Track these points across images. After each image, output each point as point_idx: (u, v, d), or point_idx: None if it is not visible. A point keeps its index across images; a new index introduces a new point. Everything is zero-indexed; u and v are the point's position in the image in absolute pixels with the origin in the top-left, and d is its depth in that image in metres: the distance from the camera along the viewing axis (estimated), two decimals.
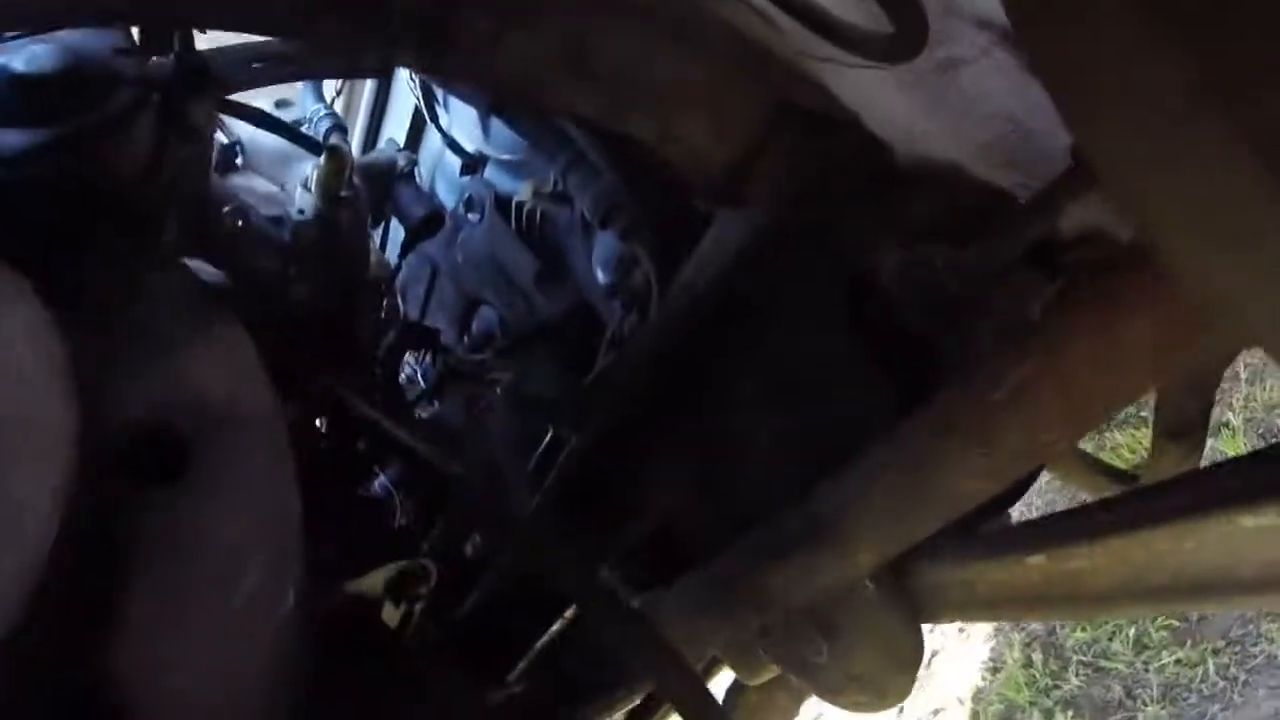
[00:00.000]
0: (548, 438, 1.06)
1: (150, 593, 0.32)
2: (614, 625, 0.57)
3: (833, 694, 0.77)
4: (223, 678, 0.31)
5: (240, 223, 0.95)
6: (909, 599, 0.71)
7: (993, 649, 2.73)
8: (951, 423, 0.47)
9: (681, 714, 0.55)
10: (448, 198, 1.35)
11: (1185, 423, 0.79)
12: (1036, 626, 2.66)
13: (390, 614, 0.66)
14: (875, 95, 0.75)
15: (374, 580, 0.63)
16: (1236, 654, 2.31)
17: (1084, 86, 0.28)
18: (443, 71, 0.78)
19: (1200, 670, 2.31)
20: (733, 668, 0.82)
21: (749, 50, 0.63)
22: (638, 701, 0.80)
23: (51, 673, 0.31)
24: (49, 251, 0.48)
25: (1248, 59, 0.24)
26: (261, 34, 1.01)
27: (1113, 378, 0.43)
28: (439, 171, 1.37)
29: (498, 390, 1.08)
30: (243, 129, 1.14)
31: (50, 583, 0.30)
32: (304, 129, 1.18)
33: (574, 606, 0.88)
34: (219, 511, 0.35)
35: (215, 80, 0.84)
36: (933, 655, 2.99)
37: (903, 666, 0.71)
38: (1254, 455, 0.61)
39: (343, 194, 1.06)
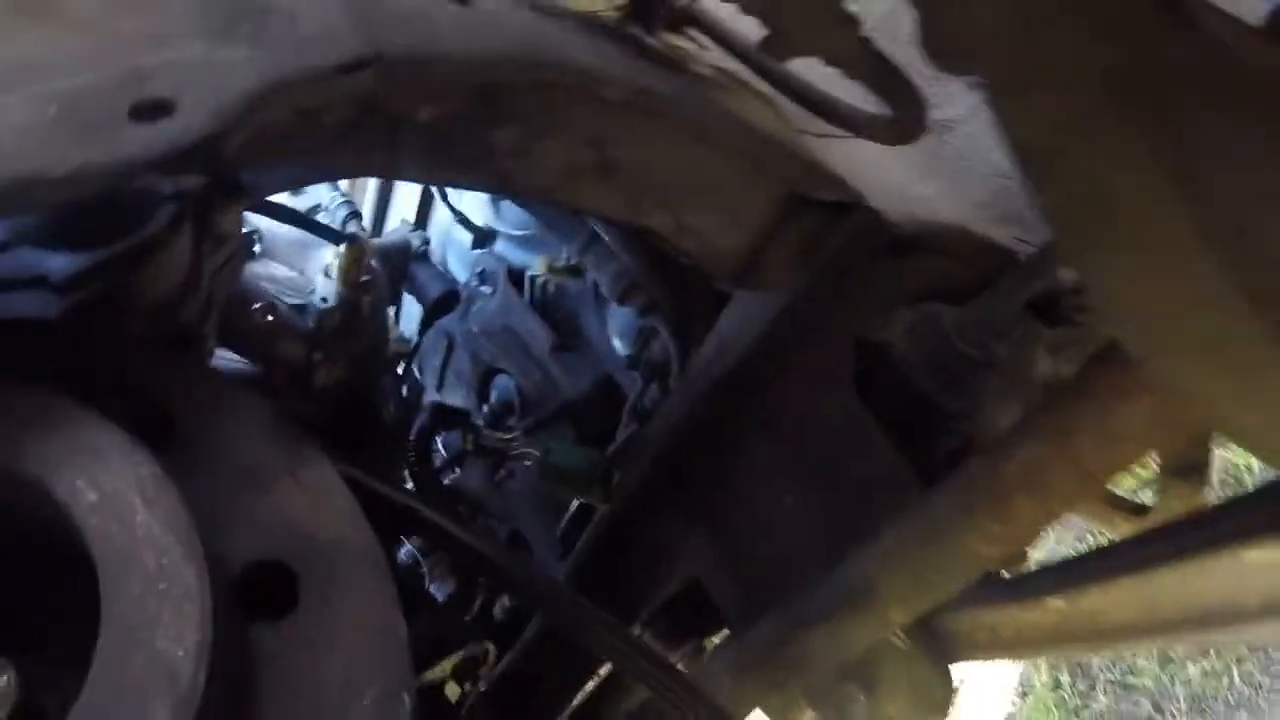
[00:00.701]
0: (573, 507, 1.11)
1: None
2: (650, 677, 0.62)
3: None
4: None
5: (270, 317, 1.01)
6: (938, 645, 0.76)
7: (1021, 673, 2.77)
8: (971, 499, 0.53)
9: None
10: (459, 271, 1.41)
11: (1189, 462, 0.85)
12: None
13: (451, 690, 0.70)
14: (874, 164, 0.81)
15: (444, 666, 0.67)
16: (1260, 661, 2.35)
17: (1091, 228, 0.33)
18: (462, 181, 0.84)
19: (1225, 680, 2.35)
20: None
21: (757, 144, 0.69)
22: None
23: None
24: (103, 381, 0.51)
25: (1249, 206, 0.29)
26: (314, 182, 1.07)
27: (1116, 451, 0.48)
28: (449, 246, 1.43)
29: (525, 464, 1.13)
30: (260, 218, 1.19)
31: None
32: (320, 216, 1.24)
33: (605, 666, 0.92)
34: (334, 644, 0.39)
35: (245, 189, 0.90)
36: (960, 682, 3.02)
37: (935, 709, 0.76)
38: (1255, 492, 0.66)
39: (363, 279, 1.12)
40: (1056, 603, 0.70)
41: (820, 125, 0.81)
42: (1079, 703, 2.55)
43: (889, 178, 0.82)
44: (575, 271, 1.14)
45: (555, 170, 0.64)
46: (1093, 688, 2.55)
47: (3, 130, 0.35)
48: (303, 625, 0.39)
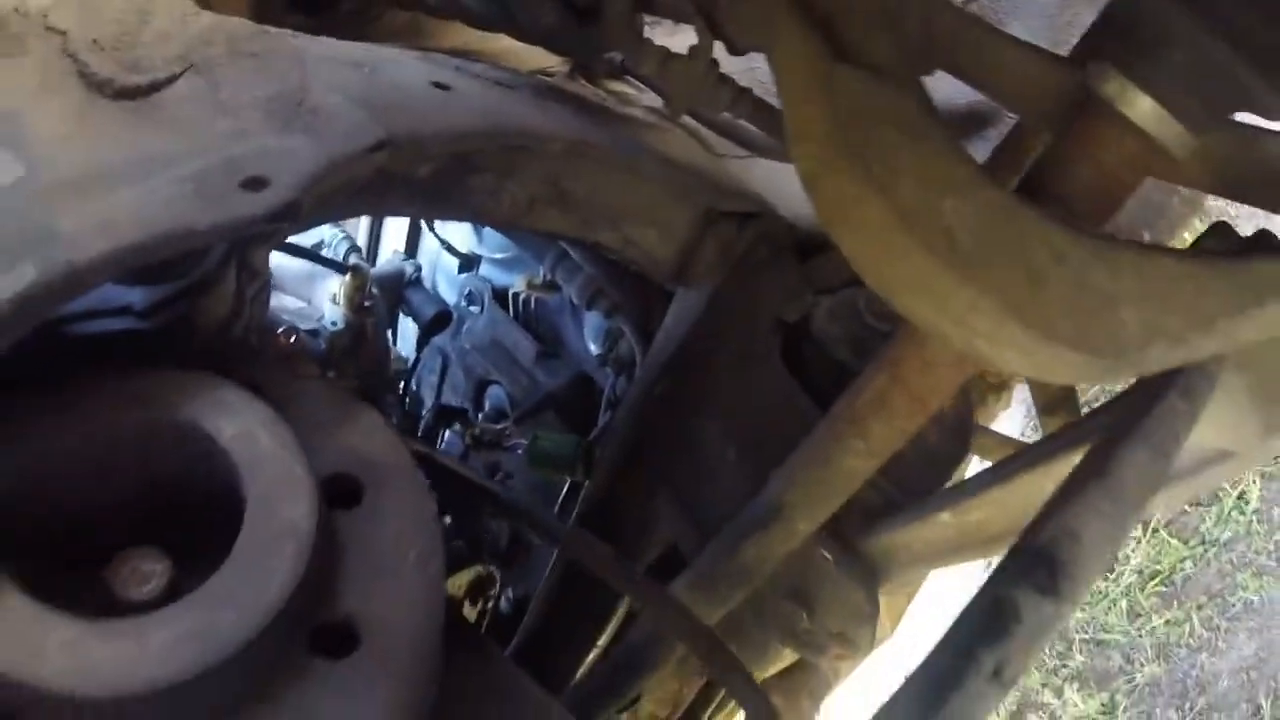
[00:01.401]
0: (564, 488, 1.32)
1: (356, 576, 0.58)
2: (662, 611, 0.81)
3: (820, 652, 1.02)
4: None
5: (292, 339, 1.22)
6: (862, 565, 0.97)
7: None
8: (839, 426, 0.73)
9: (727, 686, 0.79)
10: (448, 293, 1.62)
11: (1055, 400, 1.05)
12: None
13: (469, 613, 0.88)
14: (781, 178, 1.02)
15: (455, 582, 0.85)
16: (1218, 606, 2.59)
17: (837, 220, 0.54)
18: (448, 216, 1.05)
19: (1187, 626, 2.59)
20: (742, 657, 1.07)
21: (679, 173, 0.90)
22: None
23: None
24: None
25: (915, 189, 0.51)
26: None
27: (937, 378, 0.68)
28: (438, 271, 1.64)
29: (518, 453, 1.34)
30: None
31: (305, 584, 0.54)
32: (324, 251, 1.46)
33: (614, 621, 1.13)
34: (385, 524, 0.59)
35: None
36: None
37: (864, 619, 0.96)
38: (1089, 414, 0.86)
39: (365, 304, 1.33)
40: (945, 517, 0.91)
41: (739, 149, 1.03)
42: (1057, 663, 2.79)
43: (795, 189, 1.04)
44: (552, 286, 1.36)
45: (521, 203, 0.86)
46: (1069, 648, 2.79)
47: (159, 202, 0.56)
48: (364, 513, 0.60)
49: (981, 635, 0.52)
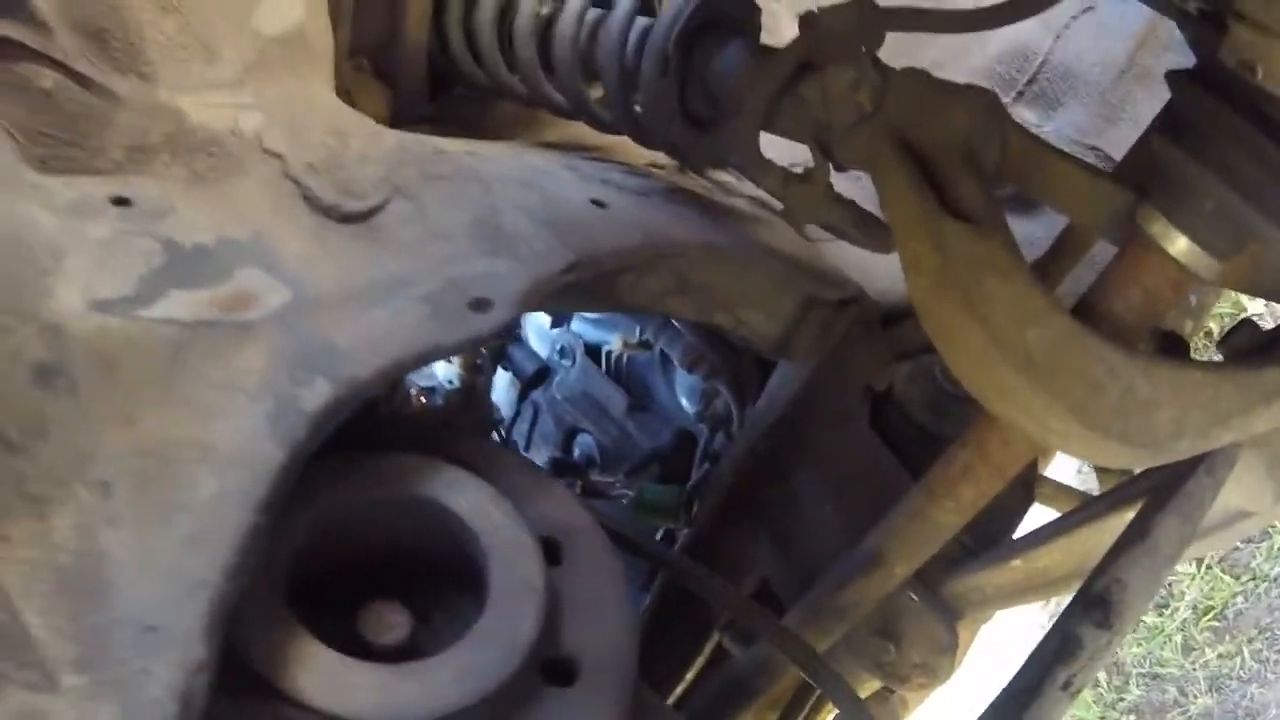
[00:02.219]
0: (660, 533, 1.53)
1: (571, 620, 0.78)
2: (764, 628, 1.01)
3: (903, 682, 1.22)
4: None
5: (424, 399, 1.43)
6: (943, 605, 1.17)
7: None
8: (934, 487, 0.93)
9: (818, 685, 0.99)
10: (539, 347, 1.84)
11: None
12: None
13: None
14: (866, 255, 1.23)
15: None
16: (1267, 639, 2.79)
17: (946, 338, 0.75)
18: (595, 309, 1.26)
19: (1238, 660, 2.79)
20: None
21: (787, 262, 1.11)
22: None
23: None
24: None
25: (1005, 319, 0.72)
26: None
27: (1013, 453, 0.88)
28: (530, 325, 1.86)
29: (622, 502, 1.55)
30: None
31: None
32: None
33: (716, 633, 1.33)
34: (581, 574, 0.81)
35: None
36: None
37: (944, 651, 1.16)
38: (1138, 476, 1.06)
39: (478, 363, 1.55)
40: (1016, 563, 1.11)
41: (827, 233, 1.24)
42: (1115, 696, 2.98)
43: (880, 268, 1.25)
44: (645, 345, 1.58)
45: (654, 293, 1.07)
46: (1126, 682, 2.99)
47: (408, 322, 0.77)
48: (568, 569, 0.80)
49: (1055, 658, 0.73)
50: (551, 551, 0.81)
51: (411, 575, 0.81)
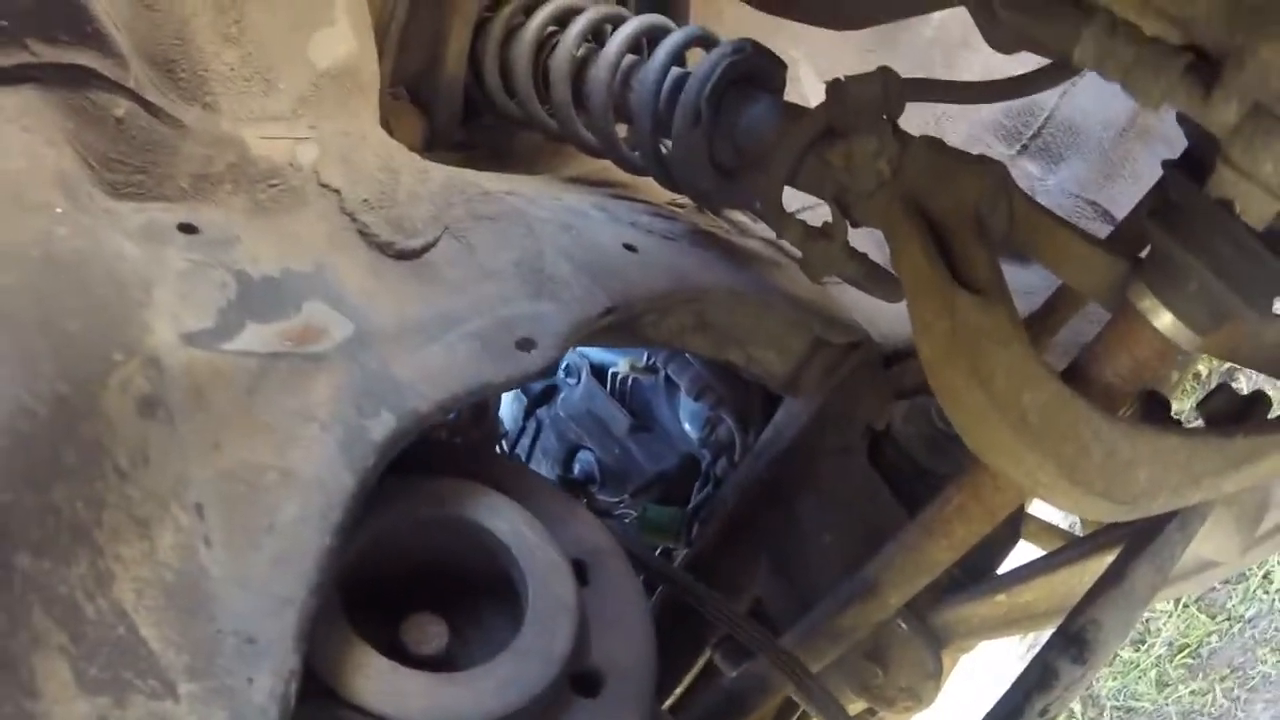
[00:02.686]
0: (658, 550, 1.62)
1: (597, 635, 0.87)
2: (756, 641, 1.11)
3: (889, 704, 1.32)
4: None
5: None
6: (930, 634, 1.26)
7: None
8: (931, 524, 1.02)
9: (812, 706, 1.08)
10: None
11: None
12: None
13: None
14: (872, 301, 1.33)
15: None
16: (1239, 678, 2.93)
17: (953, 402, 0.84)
18: (618, 345, 1.35)
19: (1210, 697, 2.92)
20: None
21: (799, 305, 1.21)
22: None
23: None
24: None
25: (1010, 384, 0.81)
26: None
27: (1005, 497, 0.98)
28: None
29: (625, 520, 1.65)
30: None
31: None
32: None
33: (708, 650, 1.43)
34: (607, 594, 0.90)
35: None
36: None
37: (930, 677, 1.26)
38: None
39: None
40: (1001, 597, 1.21)
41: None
42: None
43: (882, 312, 1.35)
44: (651, 370, 1.67)
45: (673, 330, 1.16)
46: (1101, 714, 3.13)
47: (463, 359, 0.86)
48: (594, 588, 0.89)
49: (1034, 688, 0.83)
50: (580, 572, 0.90)
51: (448, 591, 0.89)
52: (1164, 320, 0.83)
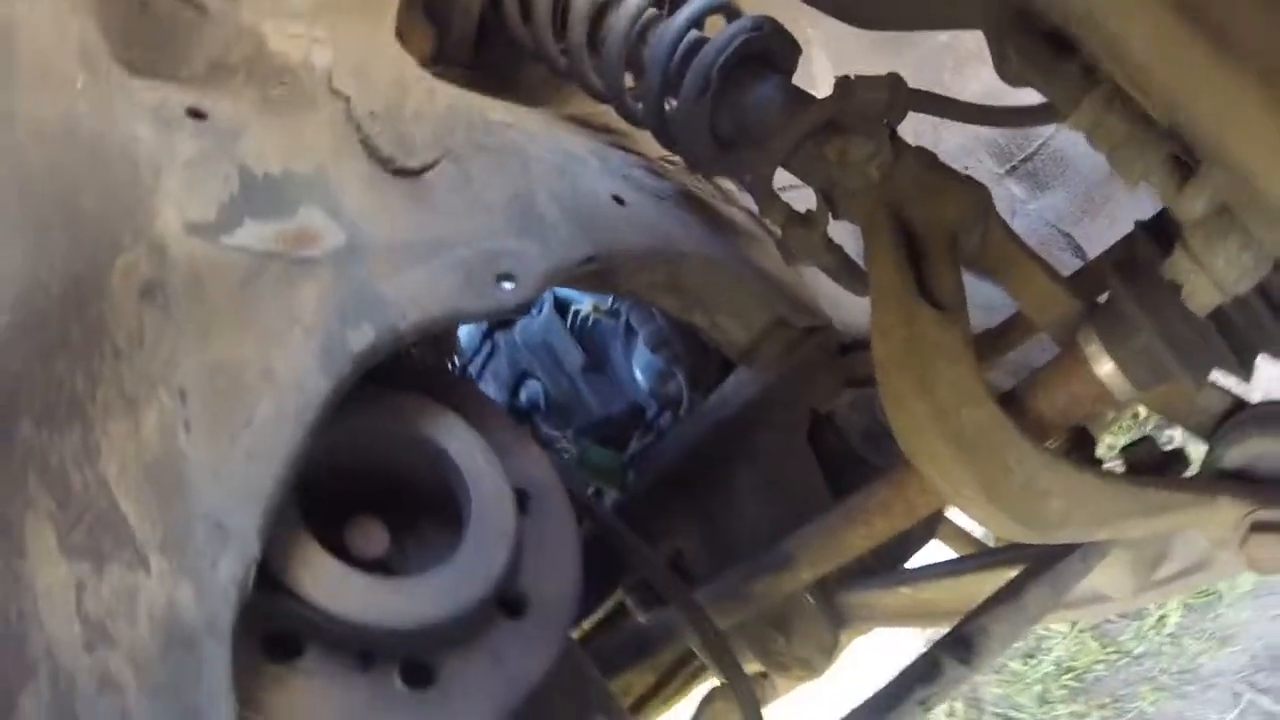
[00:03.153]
0: (591, 490, 1.69)
1: (528, 563, 0.94)
2: (673, 592, 1.19)
3: (783, 670, 1.41)
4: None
5: None
6: (834, 612, 1.36)
7: None
8: (853, 513, 1.10)
9: (716, 663, 1.17)
10: None
11: None
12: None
13: None
14: (840, 289, 1.39)
15: None
16: (1117, 709, 3.10)
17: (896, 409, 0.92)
18: (589, 291, 1.41)
19: None
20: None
21: (769, 283, 1.27)
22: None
23: None
24: None
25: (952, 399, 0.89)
26: None
27: (926, 499, 1.06)
28: None
29: (564, 456, 1.71)
30: None
31: None
32: None
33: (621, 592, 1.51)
34: (546, 521, 0.96)
35: None
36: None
37: (826, 652, 1.35)
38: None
39: None
40: (906, 591, 1.30)
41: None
42: None
43: (845, 300, 1.41)
44: (614, 314, 1.73)
45: (645, 285, 1.22)
46: (980, 716, 3.31)
47: (445, 285, 0.91)
48: (531, 519, 0.96)
49: (918, 679, 0.91)
50: (521, 501, 0.97)
51: (392, 500, 0.95)
52: (1105, 368, 0.90)
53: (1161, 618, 3.49)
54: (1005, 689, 3.46)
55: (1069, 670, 3.51)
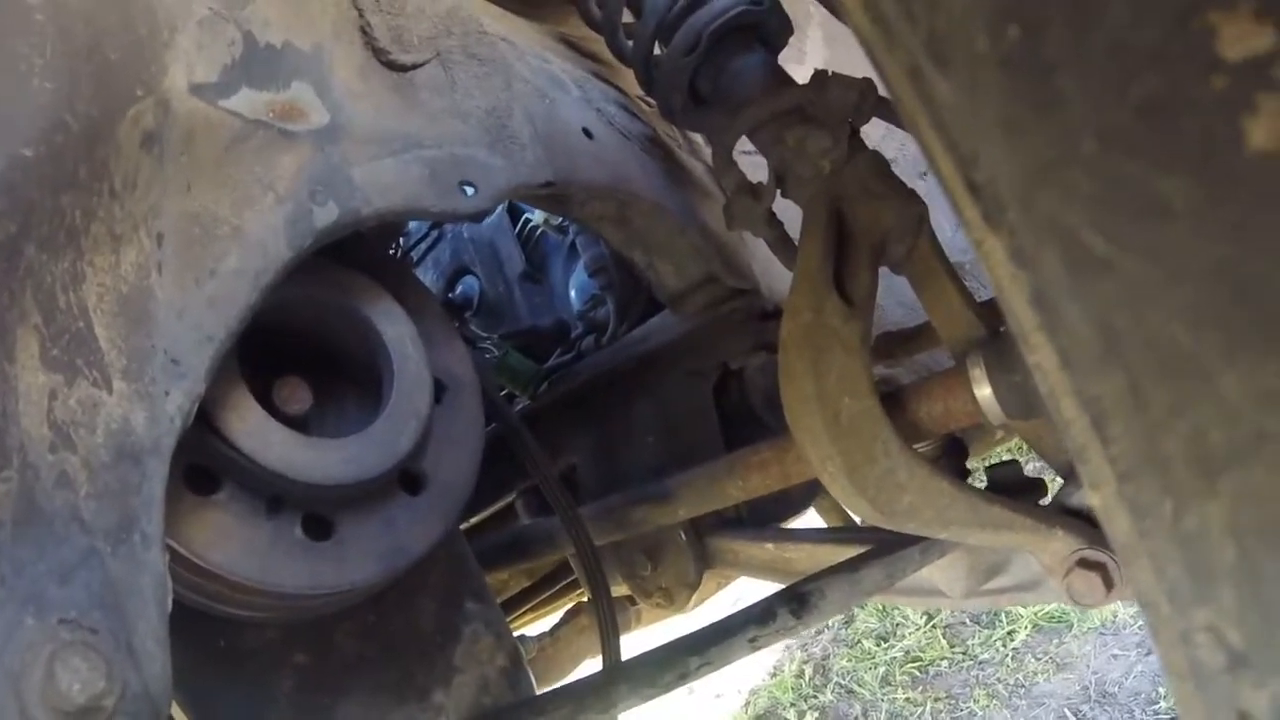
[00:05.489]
0: (503, 392, 1.82)
1: (433, 446, 1.07)
2: (560, 501, 1.33)
3: (645, 596, 1.57)
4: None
5: None
6: (702, 550, 1.51)
7: (777, 661, 3.81)
8: (735, 466, 1.25)
9: (585, 574, 1.32)
10: None
11: None
12: (815, 650, 3.78)
13: None
14: (772, 259, 1.53)
15: None
16: (950, 705, 3.37)
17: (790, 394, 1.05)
18: (542, 209, 1.52)
19: (921, 710, 3.37)
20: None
21: (710, 240, 1.39)
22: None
23: None
24: None
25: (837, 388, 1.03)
26: None
27: (800, 467, 1.20)
28: None
29: (485, 356, 1.83)
30: None
31: None
32: None
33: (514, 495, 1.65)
34: (458, 407, 1.09)
35: None
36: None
37: (688, 586, 1.51)
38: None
39: None
40: (770, 547, 1.46)
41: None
42: (810, 692, 3.55)
43: (774, 267, 1.55)
44: (562, 230, 1.84)
45: (594, 214, 1.34)
46: (825, 685, 3.57)
47: (411, 179, 1.02)
48: (443, 408, 1.08)
49: (753, 621, 1.06)
50: (438, 391, 1.09)
51: (318, 367, 1.07)
52: (984, 392, 1.04)
53: (1011, 632, 3.79)
54: (854, 664, 3.73)
55: (915, 660, 3.79)
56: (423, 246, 2.07)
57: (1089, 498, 0.36)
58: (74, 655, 0.61)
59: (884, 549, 1.13)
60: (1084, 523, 1.10)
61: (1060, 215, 0.35)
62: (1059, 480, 1.15)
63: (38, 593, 0.62)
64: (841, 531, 1.37)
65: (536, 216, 1.89)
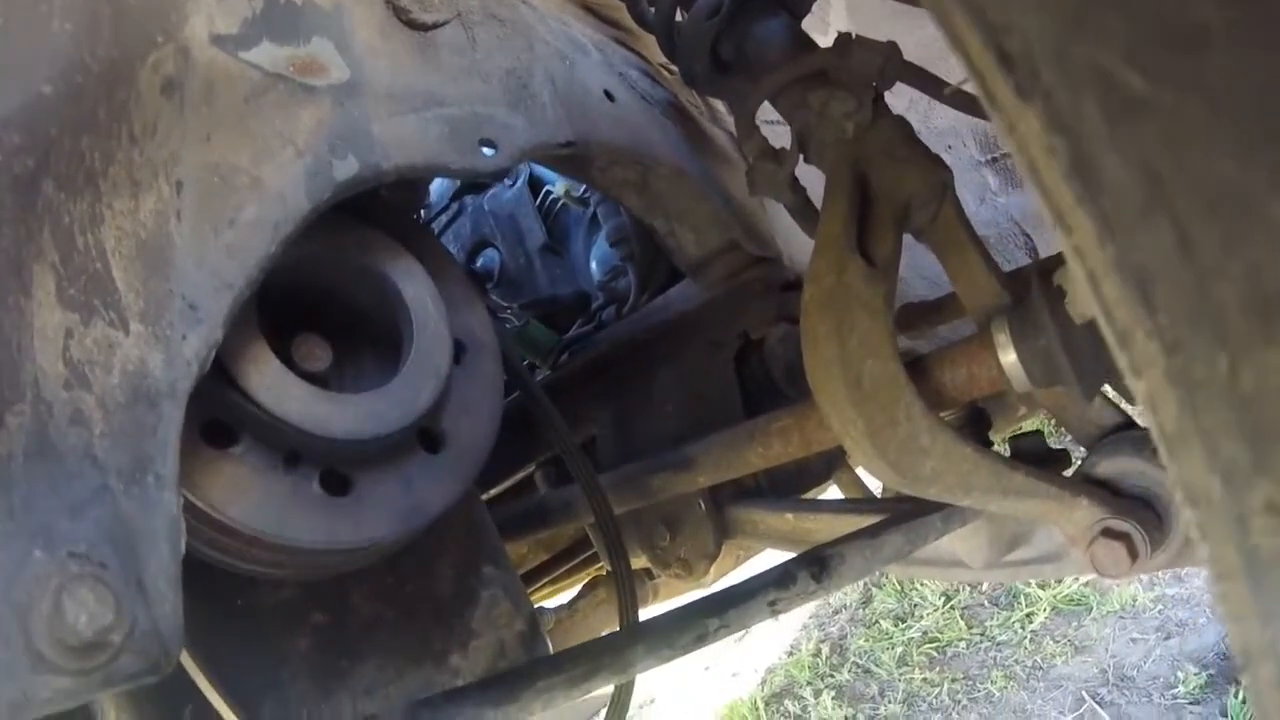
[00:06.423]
0: (525, 362, 1.81)
1: (452, 406, 1.06)
2: (580, 469, 1.32)
3: (664, 567, 1.56)
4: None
5: None
6: (721, 520, 1.50)
7: (794, 640, 3.80)
8: (755, 434, 1.23)
9: (604, 536, 1.31)
10: None
11: None
12: (832, 629, 3.77)
13: None
14: (794, 227, 1.51)
15: None
16: (967, 686, 3.35)
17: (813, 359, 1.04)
18: (565, 175, 1.51)
19: (938, 690, 3.35)
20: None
21: (732, 208, 1.38)
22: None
23: None
24: None
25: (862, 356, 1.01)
26: None
27: (823, 435, 1.19)
28: None
29: (507, 325, 1.82)
30: None
31: None
32: None
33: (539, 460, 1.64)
34: (476, 366, 1.08)
35: None
36: (745, 634, 4.11)
37: (706, 556, 1.50)
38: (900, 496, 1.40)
39: None
40: (789, 517, 1.44)
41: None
42: (827, 671, 3.53)
43: (804, 236, 1.53)
44: (583, 202, 1.82)
45: (616, 181, 1.32)
46: (842, 664, 3.55)
47: (432, 137, 1.01)
48: (463, 369, 1.07)
49: (771, 583, 1.05)
50: (458, 352, 1.08)
51: (338, 324, 1.06)
52: (1008, 358, 1.02)
53: (1029, 614, 3.77)
54: (871, 644, 3.71)
55: (933, 641, 3.78)
56: (444, 219, 2.06)
57: (1133, 387, 0.34)
58: (82, 588, 0.60)
59: (900, 516, 1.12)
60: (1108, 493, 1.08)
61: (1096, 58, 0.33)
62: (1082, 453, 1.15)
63: (47, 526, 0.61)
64: (862, 503, 1.35)
65: (558, 189, 1.88)
